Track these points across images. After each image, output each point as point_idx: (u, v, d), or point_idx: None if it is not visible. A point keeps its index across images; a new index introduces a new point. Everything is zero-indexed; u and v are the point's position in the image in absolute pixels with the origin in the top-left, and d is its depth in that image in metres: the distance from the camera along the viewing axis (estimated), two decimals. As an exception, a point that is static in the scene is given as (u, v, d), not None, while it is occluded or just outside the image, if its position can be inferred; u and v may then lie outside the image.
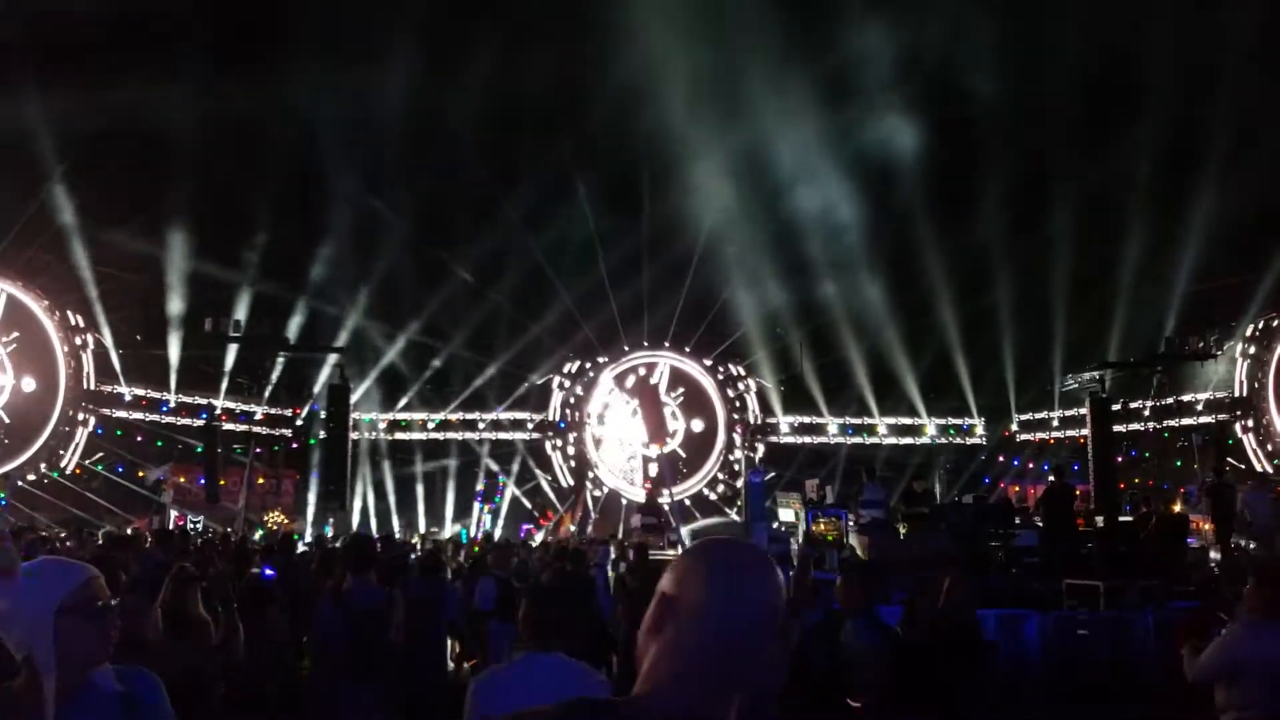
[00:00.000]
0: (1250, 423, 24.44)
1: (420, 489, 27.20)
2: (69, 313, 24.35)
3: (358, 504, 25.70)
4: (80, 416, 24.65)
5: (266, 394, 26.95)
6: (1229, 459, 22.34)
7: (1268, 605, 4.54)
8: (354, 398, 24.79)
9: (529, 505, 27.67)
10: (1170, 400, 26.02)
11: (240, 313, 24.74)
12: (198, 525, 21.10)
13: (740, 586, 1.40)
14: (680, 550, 1.53)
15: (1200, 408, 25.37)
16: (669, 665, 1.39)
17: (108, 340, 24.89)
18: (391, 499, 26.51)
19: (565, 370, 28.20)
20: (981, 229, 24.21)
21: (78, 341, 24.51)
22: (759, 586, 1.42)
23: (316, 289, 25.66)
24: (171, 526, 17.65)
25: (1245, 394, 24.62)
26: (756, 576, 1.43)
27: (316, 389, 26.78)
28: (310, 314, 26.00)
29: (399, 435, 27.64)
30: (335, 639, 5.46)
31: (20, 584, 2.14)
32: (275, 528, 22.11)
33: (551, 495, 27.14)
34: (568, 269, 26.19)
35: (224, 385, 25.95)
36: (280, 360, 26.41)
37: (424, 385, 27.88)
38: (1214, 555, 14.16)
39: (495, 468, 27.64)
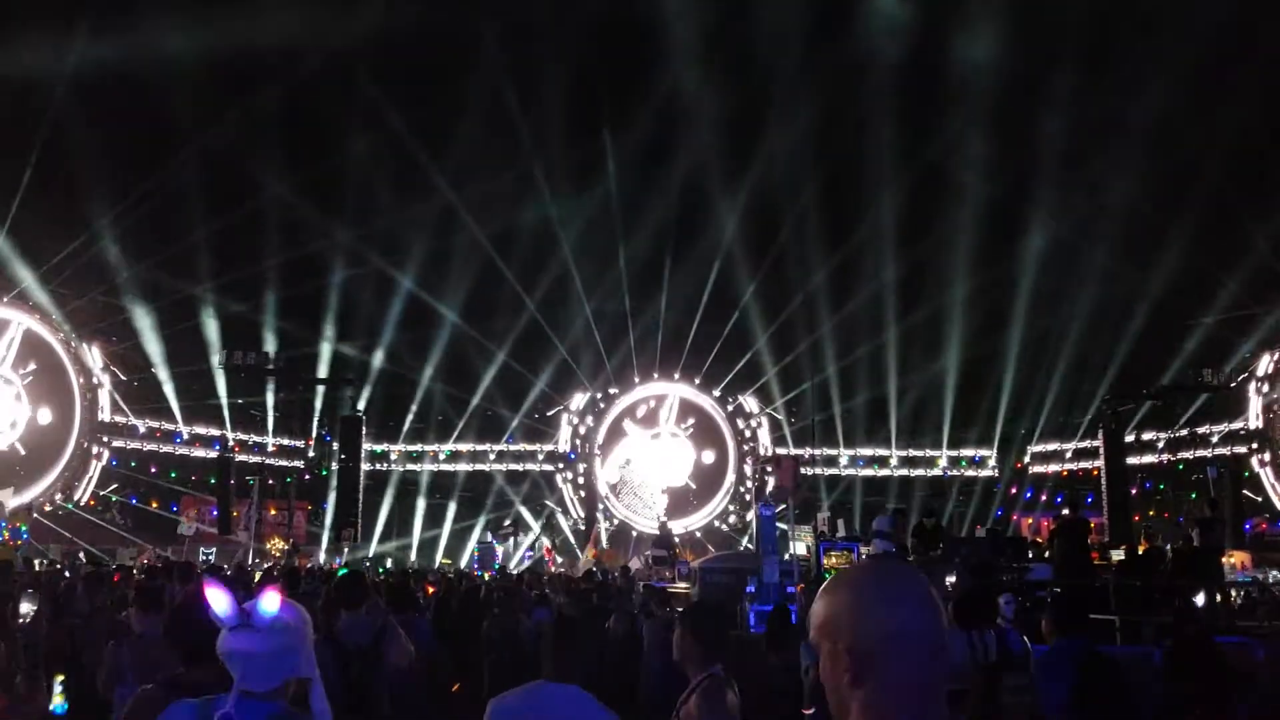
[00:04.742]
0: (1267, 456, 24.21)
1: (449, 516, 27.08)
2: (85, 345, 24.59)
3: (377, 534, 25.77)
4: (95, 449, 24.81)
5: (270, 424, 27.04)
6: (1245, 491, 22.10)
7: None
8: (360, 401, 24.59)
9: (544, 538, 27.55)
10: (1185, 432, 25.78)
11: (245, 344, 24.91)
12: (209, 558, 21.06)
13: (919, 602, 1.32)
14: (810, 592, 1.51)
15: (1215, 440, 25.16)
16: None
17: (122, 374, 25.11)
18: (416, 532, 26.50)
19: (575, 403, 28.24)
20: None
21: (93, 374, 24.71)
22: (925, 594, 1.33)
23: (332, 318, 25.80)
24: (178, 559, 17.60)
25: (1261, 426, 24.42)
26: (919, 586, 1.34)
27: (332, 422, 26.84)
28: (320, 348, 26.12)
29: (410, 467, 27.67)
30: (325, 676, 5.44)
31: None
32: (279, 555, 22.07)
33: (564, 525, 27.06)
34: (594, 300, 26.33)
35: (227, 415, 25.99)
36: (271, 386, 26.39)
37: (420, 420, 27.84)
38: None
39: (513, 498, 27.53)
